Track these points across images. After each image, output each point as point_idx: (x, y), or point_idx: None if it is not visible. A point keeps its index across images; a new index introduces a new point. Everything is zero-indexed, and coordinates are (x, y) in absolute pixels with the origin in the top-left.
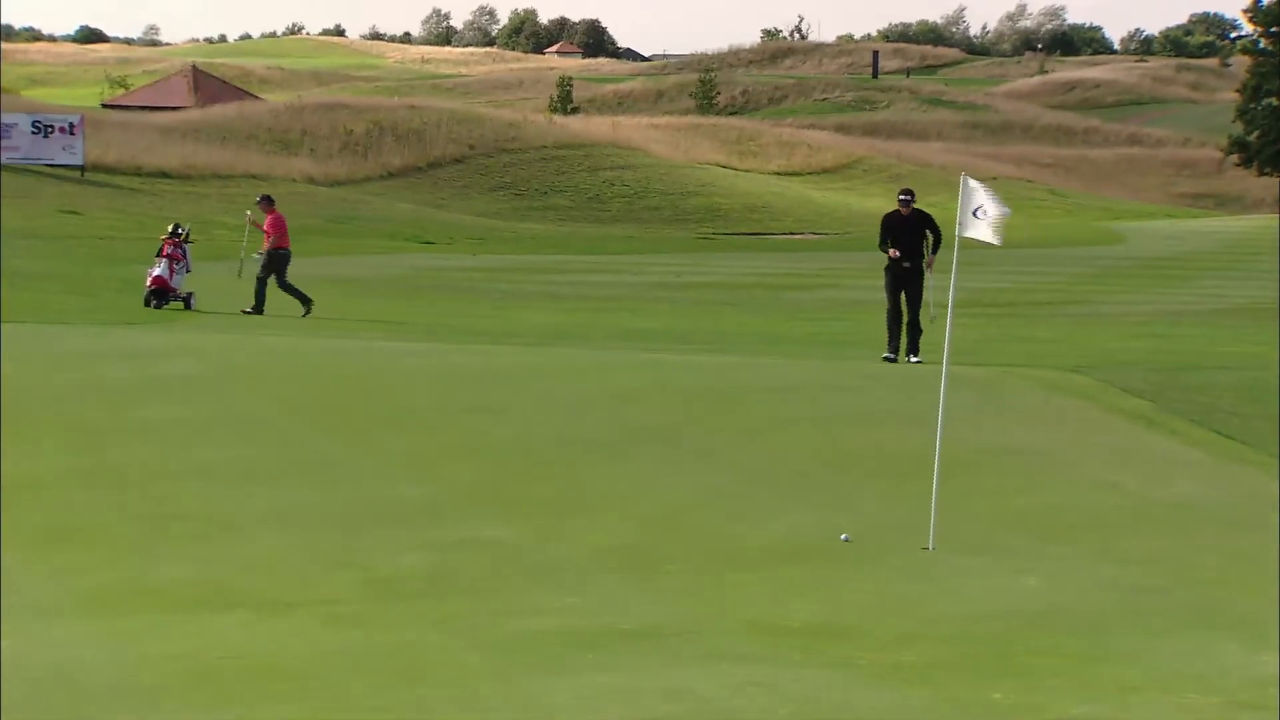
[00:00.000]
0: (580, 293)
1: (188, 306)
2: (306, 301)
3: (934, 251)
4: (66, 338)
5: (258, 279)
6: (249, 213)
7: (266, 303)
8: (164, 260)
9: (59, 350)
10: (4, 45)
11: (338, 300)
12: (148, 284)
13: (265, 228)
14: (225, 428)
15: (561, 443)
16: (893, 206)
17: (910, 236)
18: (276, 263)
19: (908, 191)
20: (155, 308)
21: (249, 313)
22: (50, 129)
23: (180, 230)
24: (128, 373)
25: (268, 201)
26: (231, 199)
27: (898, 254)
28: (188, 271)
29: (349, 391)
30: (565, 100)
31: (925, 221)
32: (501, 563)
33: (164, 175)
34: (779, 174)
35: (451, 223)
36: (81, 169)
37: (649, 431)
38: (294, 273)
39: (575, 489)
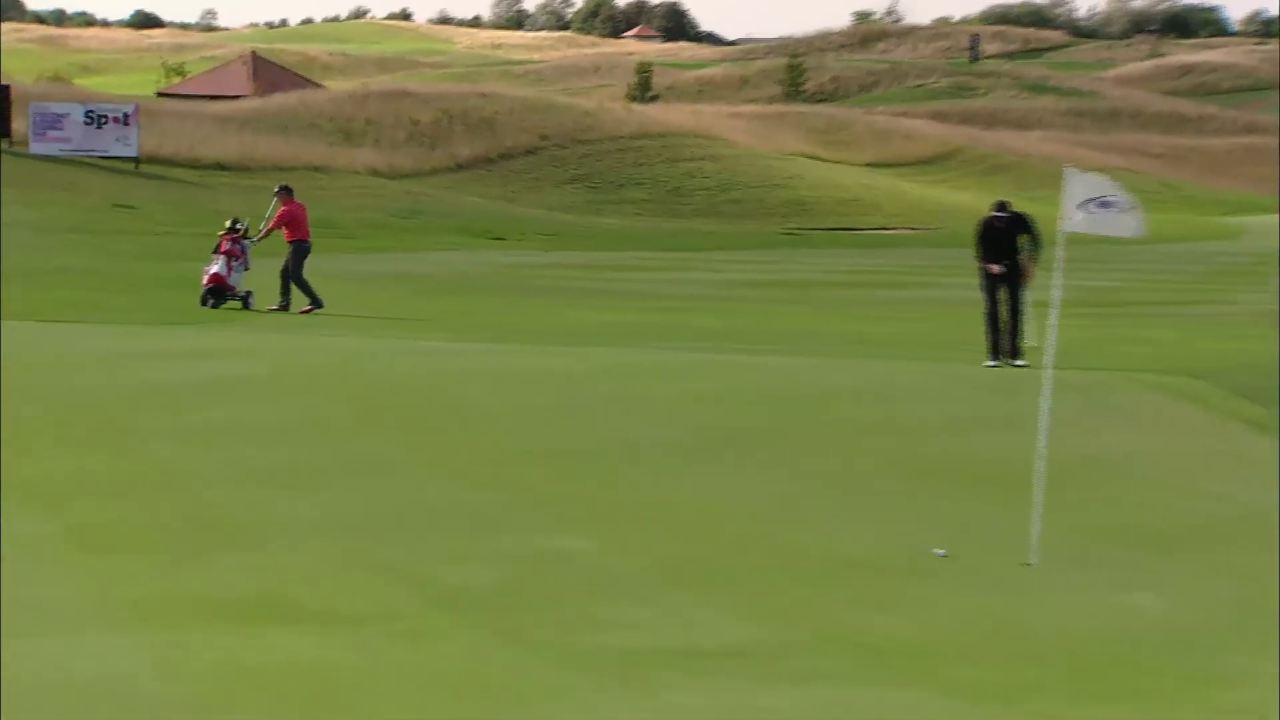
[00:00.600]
0: (657, 291)
1: (246, 306)
2: (287, 303)
3: (1033, 259)
4: (118, 338)
5: (289, 276)
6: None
7: (292, 294)
8: (221, 257)
9: (111, 350)
10: (56, 31)
11: (402, 299)
12: (204, 282)
13: (275, 221)
14: (282, 431)
15: (634, 448)
16: (991, 200)
17: (1008, 245)
18: (300, 255)
19: (1002, 204)
20: (212, 307)
21: (307, 310)
22: (103, 119)
23: (239, 226)
24: (182, 374)
25: (286, 192)
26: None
27: (998, 270)
28: (246, 269)
29: (412, 393)
30: (644, 87)
31: (1023, 227)
32: (571, 574)
33: (221, 167)
34: (870, 165)
35: (523, 217)
36: (135, 161)
37: (727, 436)
38: (330, 269)
39: (648, 496)
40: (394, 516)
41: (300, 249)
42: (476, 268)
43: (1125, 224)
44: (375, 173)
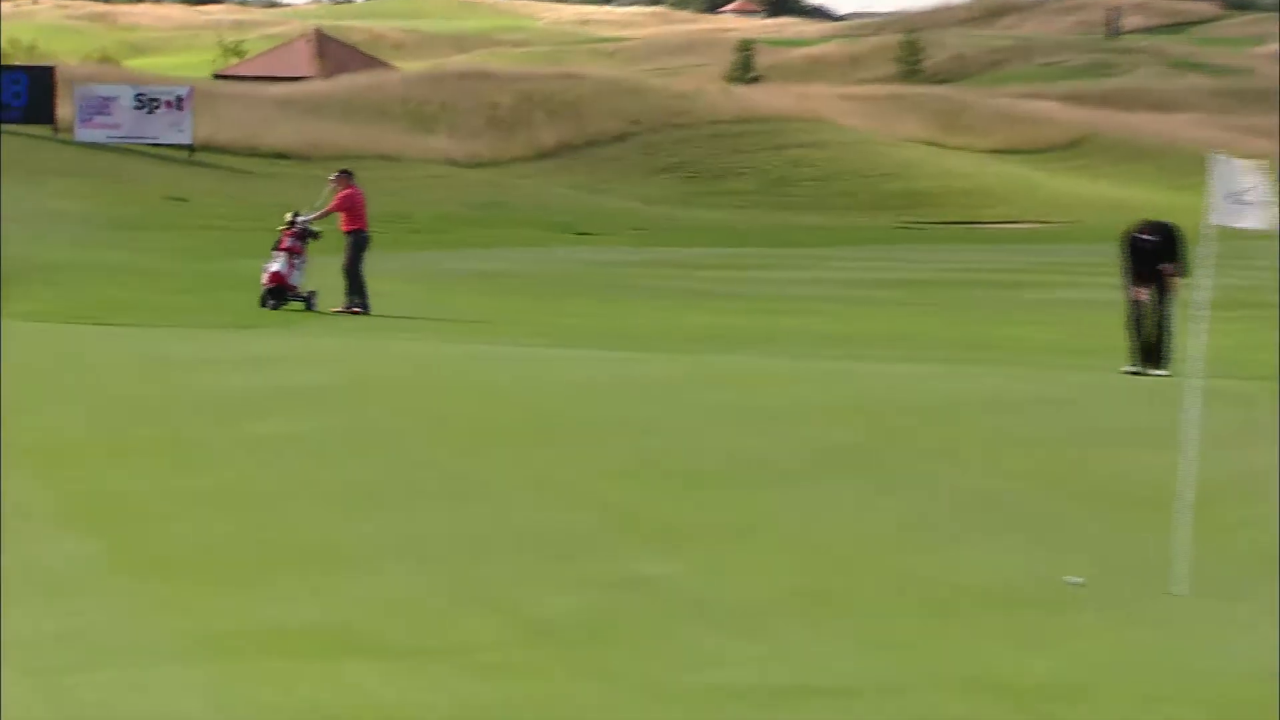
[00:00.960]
0: (760, 291)
1: (309, 307)
2: (364, 304)
3: (1180, 271)
4: (173, 341)
5: (346, 270)
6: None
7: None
8: (282, 254)
9: (165, 356)
10: (104, 7)
11: (481, 299)
12: (264, 281)
13: (334, 204)
14: (352, 445)
15: (736, 464)
16: (1129, 189)
17: (1154, 266)
18: (358, 248)
19: (1150, 224)
20: (272, 308)
21: (358, 312)
22: (155, 103)
23: (300, 219)
24: (242, 382)
25: (345, 176)
26: (359, 185)
27: (1145, 296)
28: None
29: (492, 404)
30: (744, 67)
31: (1171, 250)
32: (669, 604)
33: (283, 156)
34: (994, 152)
35: (611, 210)
36: (189, 149)
37: (839, 452)
38: (401, 267)
39: (752, 519)
40: (475, 540)
41: (358, 240)
42: (561, 265)
43: (1269, 216)
44: (451, 162)
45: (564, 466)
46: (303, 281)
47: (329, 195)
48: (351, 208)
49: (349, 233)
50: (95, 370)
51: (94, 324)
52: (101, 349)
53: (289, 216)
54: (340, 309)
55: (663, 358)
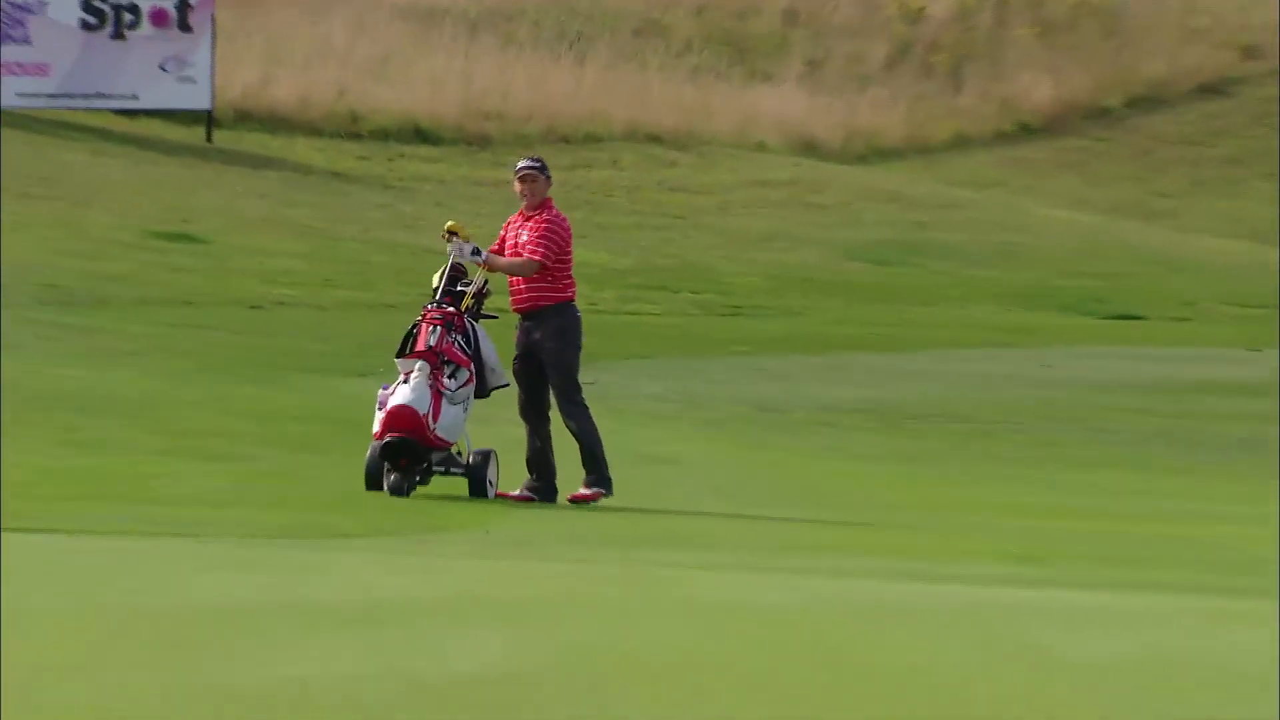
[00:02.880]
0: None
1: (480, 489)
2: (603, 477)
3: None
4: (176, 574)
5: (564, 404)
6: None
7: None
8: (420, 366)
9: (170, 610)
10: None
11: (873, 470)
12: (378, 428)
13: (533, 242)
14: None
15: None
16: None
17: None
18: (573, 343)
19: None
20: (398, 492)
21: (590, 497)
22: (130, 13)
23: (463, 273)
24: (351, 665)
25: (533, 175)
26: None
27: None
28: (476, 393)
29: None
30: None
31: None
32: None
33: (424, 135)
34: None
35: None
36: (208, 121)
37: None
38: (687, 389)
39: None
40: None
41: (570, 328)
42: (1041, 389)
43: None
44: (806, 146)
45: None
46: (462, 428)
47: (530, 227)
48: (551, 249)
49: (539, 311)
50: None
51: (44, 531)
52: (54, 595)
53: (451, 251)
54: (525, 491)
55: None
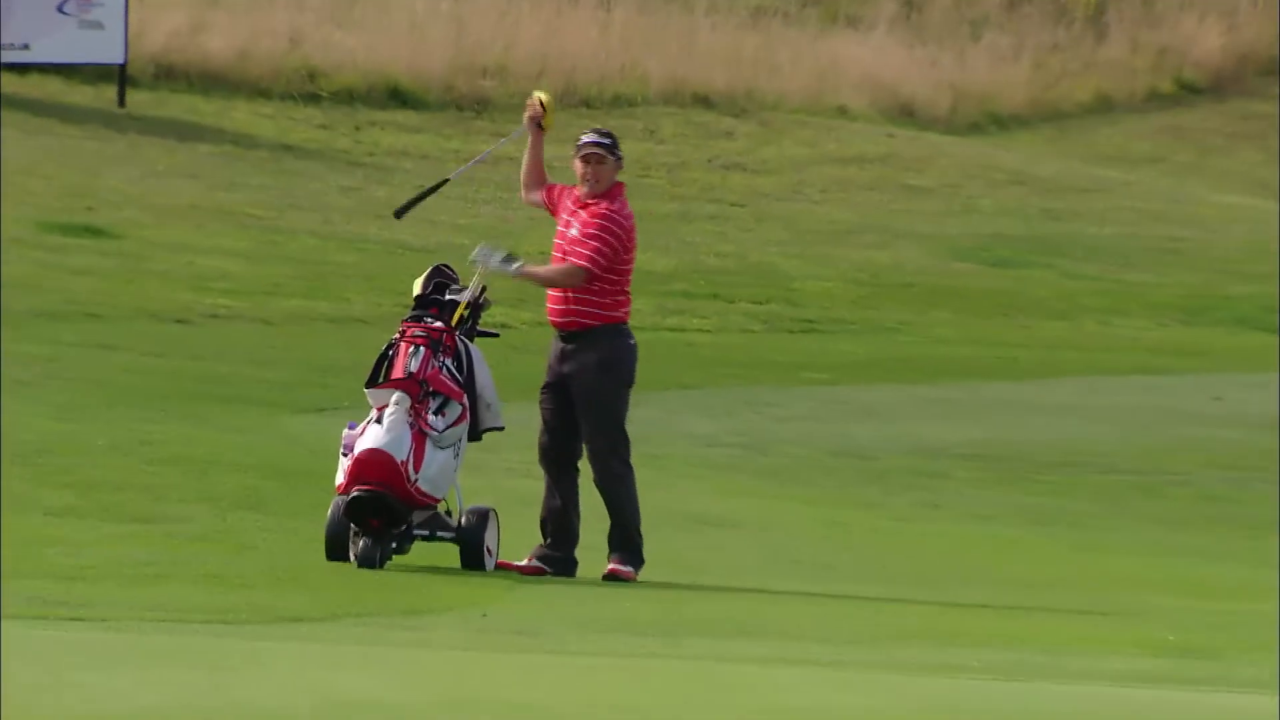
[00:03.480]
0: None
1: (474, 558)
2: (635, 551)
3: None
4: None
5: (597, 459)
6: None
7: None
8: (400, 398)
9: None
10: None
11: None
12: (341, 479)
13: (585, 245)
14: None
15: None
16: None
17: None
18: (624, 377)
19: None
20: (370, 562)
21: (622, 574)
22: None
23: (453, 277)
24: None
25: (602, 149)
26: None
27: None
28: (467, 436)
29: None
30: None
31: None
32: None
33: (396, 96)
34: None
35: None
36: (122, 77)
37: None
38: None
39: None
40: None
41: (618, 359)
42: (1210, 428)
43: None
44: (919, 118)
45: None
46: (452, 479)
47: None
48: (610, 260)
49: (589, 329)
50: None
51: None
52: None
53: (477, 260)
54: (535, 561)
55: None
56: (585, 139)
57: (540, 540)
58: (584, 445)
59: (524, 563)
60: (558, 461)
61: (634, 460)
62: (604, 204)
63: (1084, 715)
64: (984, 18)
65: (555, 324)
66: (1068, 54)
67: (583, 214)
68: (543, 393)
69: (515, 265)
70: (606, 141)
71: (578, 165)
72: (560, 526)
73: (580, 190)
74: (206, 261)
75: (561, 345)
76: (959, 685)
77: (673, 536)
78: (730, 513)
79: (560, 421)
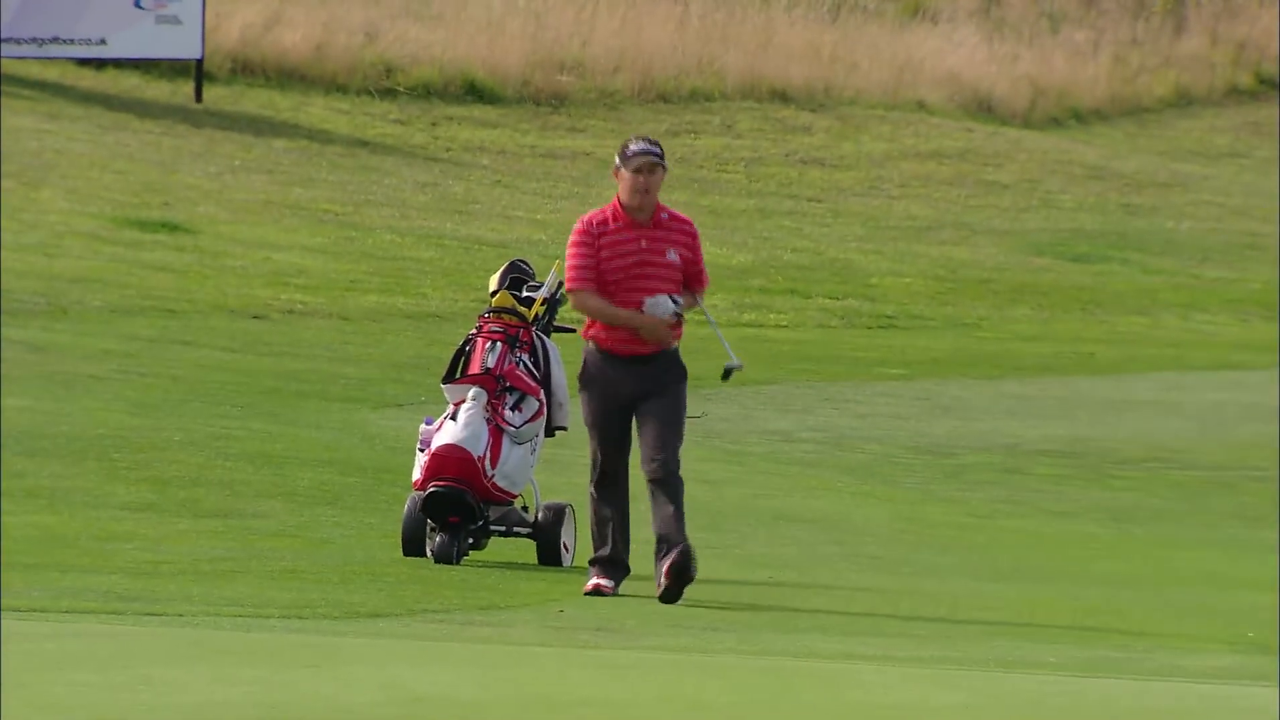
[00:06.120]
0: None
1: (548, 552)
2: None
3: None
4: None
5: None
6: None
7: None
8: (477, 394)
9: None
10: None
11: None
12: (418, 474)
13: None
14: None
15: None
16: None
17: None
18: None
19: None
20: (445, 557)
21: (664, 588)
22: None
23: (529, 273)
24: None
25: (646, 156)
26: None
27: None
28: (545, 430)
29: None
30: None
31: None
32: None
33: (476, 92)
34: None
35: None
36: (199, 73)
37: None
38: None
39: None
40: None
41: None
42: None
43: None
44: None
45: None
46: (528, 475)
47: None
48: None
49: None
50: None
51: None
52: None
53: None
54: (599, 580)
55: None
56: (636, 147)
57: (599, 553)
58: (660, 454)
59: (589, 586)
60: (616, 481)
61: (707, 456)
62: (685, 221)
63: (1167, 712)
64: (1062, 13)
65: (646, 353)
66: (1146, 48)
67: (661, 235)
68: (606, 419)
69: (682, 302)
70: (659, 150)
71: (627, 177)
72: (620, 529)
73: (629, 202)
74: (283, 257)
75: (635, 368)
76: (1044, 681)
77: (751, 532)
78: (808, 509)
79: (621, 447)
